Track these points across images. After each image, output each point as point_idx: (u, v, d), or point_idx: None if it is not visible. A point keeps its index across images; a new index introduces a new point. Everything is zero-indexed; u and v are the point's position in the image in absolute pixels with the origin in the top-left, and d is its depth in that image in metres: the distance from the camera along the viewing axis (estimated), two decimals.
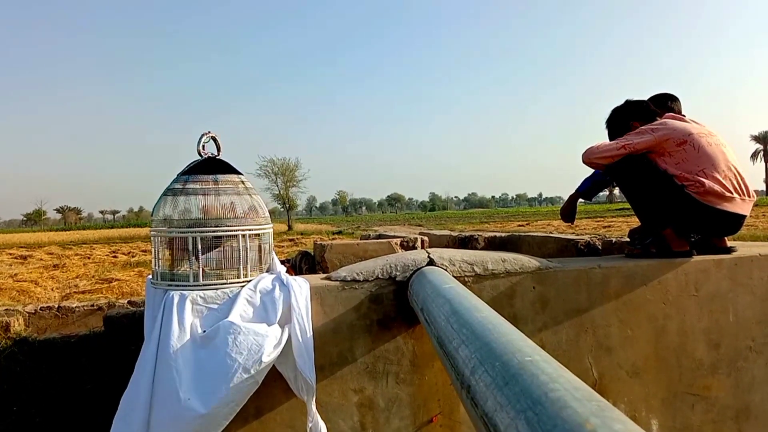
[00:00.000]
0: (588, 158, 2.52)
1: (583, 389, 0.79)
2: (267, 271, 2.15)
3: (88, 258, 16.58)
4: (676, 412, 2.38)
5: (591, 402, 0.73)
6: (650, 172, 2.40)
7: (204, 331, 1.88)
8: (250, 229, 2.06)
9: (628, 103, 2.73)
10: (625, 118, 2.69)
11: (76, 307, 4.11)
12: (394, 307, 2.16)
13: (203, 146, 2.12)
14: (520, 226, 26.10)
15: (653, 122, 2.52)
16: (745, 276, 2.46)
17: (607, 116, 2.77)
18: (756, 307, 2.46)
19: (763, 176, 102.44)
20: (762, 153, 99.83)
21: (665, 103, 2.85)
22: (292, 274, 2.24)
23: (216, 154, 2.16)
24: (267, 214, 2.18)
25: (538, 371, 0.86)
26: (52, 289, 8.60)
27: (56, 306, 4.08)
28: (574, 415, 0.70)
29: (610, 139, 2.76)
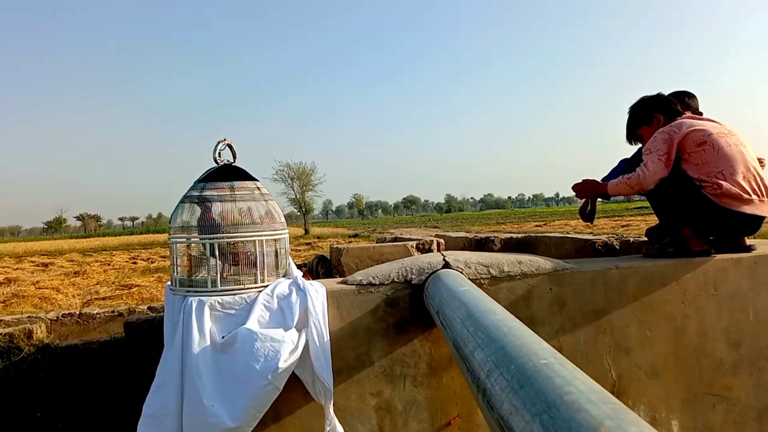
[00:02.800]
0: (647, 185, 2.42)
1: (598, 392, 0.79)
2: (284, 276, 2.17)
3: (109, 264, 16.78)
4: (696, 412, 2.36)
5: (606, 404, 0.74)
6: (670, 172, 2.38)
7: (223, 338, 1.90)
8: (266, 235, 2.08)
9: (658, 95, 2.71)
10: (650, 108, 2.66)
11: (97, 313, 4.16)
12: (410, 310, 2.17)
13: (219, 153, 2.14)
14: (537, 226, 25.93)
15: (672, 122, 2.49)
16: (765, 275, 2.43)
17: (634, 102, 2.75)
18: None
19: None
20: None
21: (682, 100, 2.82)
22: (308, 279, 2.25)
23: (232, 161, 2.18)
24: (283, 220, 2.20)
25: (553, 374, 0.86)
26: (73, 296, 8.71)
27: (77, 313, 4.14)
28: (588, 418, 0.70)
29: (629, 125, 2.74)
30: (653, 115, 2.64)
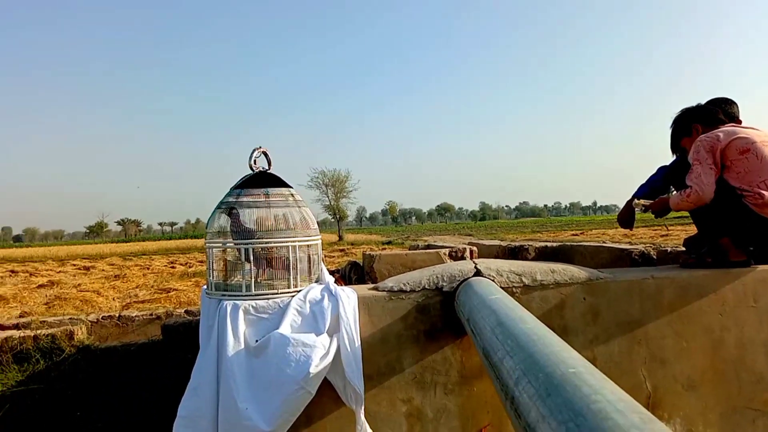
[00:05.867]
0: (707, 198, 2.35)
1: (626, 401, 0.78)
2: (316, 281, 2.19)
3: (148, 268, 17.10)
4: (735, 427, 2.30)
5: (633, 414, 0.73)
6: None
7: (257, 341, 1.93)
8: (299, 241, 2.11)
9: (696, 106, 2.70)
10: (688, 119, 2.66)
11: (135, 316, 4.26)
12: (440, 317, 2.17)
13: (255, 161, 2.19)
14: (573, 235, 25.49)
15: (714, 130, 2.45)
16: None
17: (676, 114, 2.74)
18: None
19: None
20: None
21: (720, 107, 2.76)
22: (341, 284, 2.28)
23: (267, 168, 2.23)
24: (316, 226, 2.23)
25: (581, 383, 0.86)
26: (113, 299, 8.92)
27: (117, 315, 4.25)
28: (614, 427, 0.70)
29: (672, 137, 2.73)
30: (692, 125, 2.62)
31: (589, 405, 0.77)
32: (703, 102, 2.75)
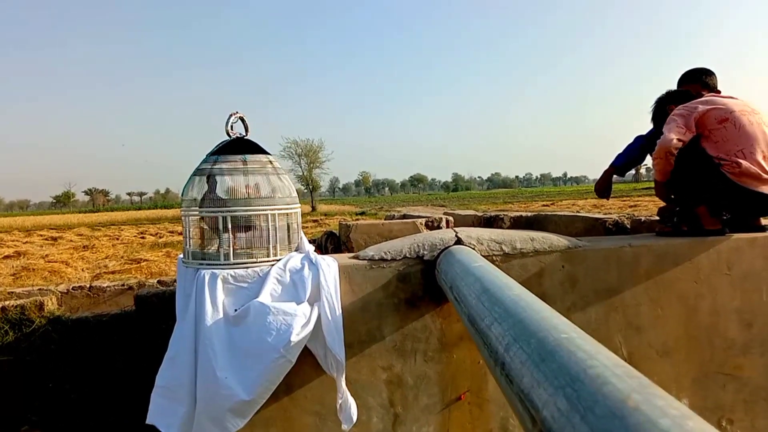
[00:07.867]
0: (668, 144, 2.37)
1: (622, 366, 0.78)
2: (296, 250, 2.16)
3: (117, 239, 16.85)
4: (707, 391, 2.36)
5: (632, 379, 0.73)
6: (689, 149, 2.35)
7: (236, 310, 1.90)
8: (278, 209, 2.07)
9: (667, 92, 2.75)
10: (662, 105, 2.70)
11: (107, 286, 4.19)
12: (421, 286, 2.16)
13: (231, 126, 2.12)
14: (544, 206, 25.77)
15: (692, 101, 2.46)
16: None
17: (651, 107, 2.81)
18: None
19: None
20: None
21: (699, 78, 2.77)
22: (318, 254, 2.25)
23: (244, 134, 2.16)
24: (295, 194, 2.19)
25: (575, 348, 0.85)
26: (82, 270, 8.76)
27: (88, 286, 4.17)
28: (615, 392, 0.69)
29: (654, 126, 2.77)
30: (666, 108, 2.64)
31: (585, 370, 0.77)
32: (687, 70, 2.78)
